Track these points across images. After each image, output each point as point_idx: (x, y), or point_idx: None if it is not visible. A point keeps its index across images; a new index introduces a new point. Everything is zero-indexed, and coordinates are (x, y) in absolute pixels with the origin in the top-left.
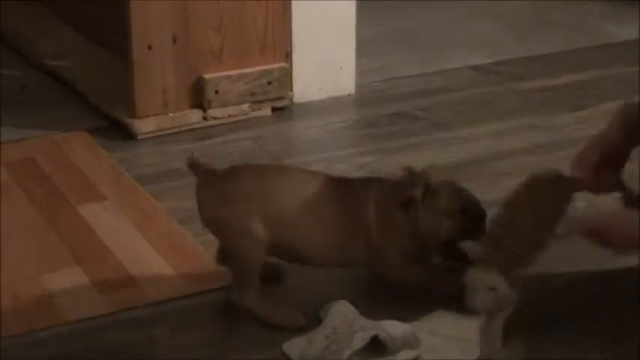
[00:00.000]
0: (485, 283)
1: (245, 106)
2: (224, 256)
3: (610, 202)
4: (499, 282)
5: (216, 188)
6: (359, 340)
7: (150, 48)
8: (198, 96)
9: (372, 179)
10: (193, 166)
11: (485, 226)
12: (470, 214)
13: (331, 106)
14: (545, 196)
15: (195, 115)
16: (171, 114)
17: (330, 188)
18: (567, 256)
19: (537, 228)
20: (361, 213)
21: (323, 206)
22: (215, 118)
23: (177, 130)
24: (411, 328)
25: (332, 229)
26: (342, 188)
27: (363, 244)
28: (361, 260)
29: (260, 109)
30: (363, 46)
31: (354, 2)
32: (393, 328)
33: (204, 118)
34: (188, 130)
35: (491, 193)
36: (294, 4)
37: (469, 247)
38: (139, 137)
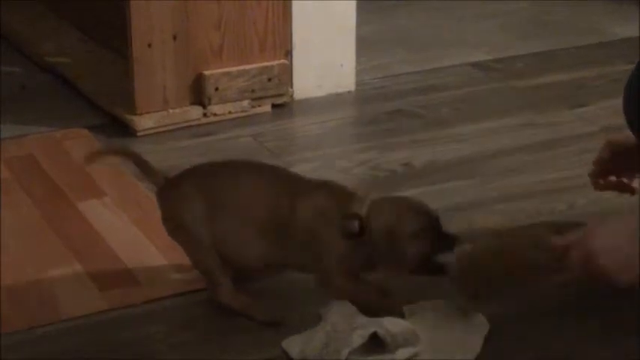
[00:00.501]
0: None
1: (245, 103)
2: None
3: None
4: (468, 306)
5: (168, 192)
6: (358, 338)
7: (150, 46)
8: (198, 93)
9: (324, 186)
10: (145, 170)
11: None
12: (435, 231)
13: (331, 103)
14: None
15: (195, 112)
16: (171, 111)
17: (273, 191)
18: None
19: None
20: (299, 222)
21: (258, 209)
22: (215, 114)
23: (177, 126)
24: (411, 325)
25: (264, 233)
26: (286, 191)
27: (298, 253)
28: (298, 266)
29: (260, 105)
30: (363, 44)
31: (354, 1)
32: (392, 326)
33: (205, 115)
34: (188, 126)
35: (491, 191)
36: (294, 2)
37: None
38: (139, 134)
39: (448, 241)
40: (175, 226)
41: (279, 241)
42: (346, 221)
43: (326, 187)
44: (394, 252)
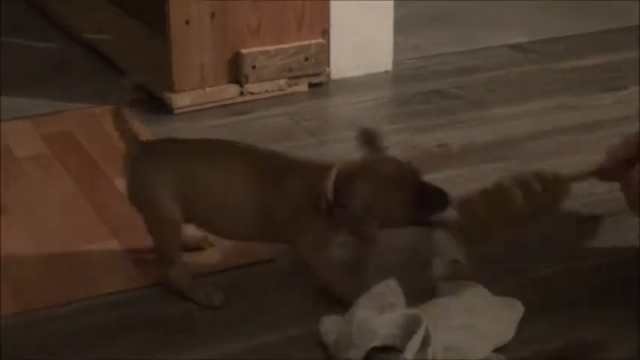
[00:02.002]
0: (450, 254)
1: (282, 82)
2: None
3: None
4: (461, 255)
5: (142, 163)
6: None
7: (188, 23)
8: (235, 71)
9: (291, 162)
10: (123, 133)
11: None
12: (416, 191)
13: (368, 82)
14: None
15: (231, 90)
16: (208, 89)
17: (251, 167)
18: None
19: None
20: (274, 200)
21: (239, 185)
22: (252, 93)
23: (214, 105)
24: (411, 311)
25: (245, 209)
26: (263, 168)
27: (274, 225)
28: (272, 239)
29: (297, 84)
30: (401, 24)
31: None
32: (388, 327)
33: (241, 93)
34: (224, 105)
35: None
36: None
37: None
38: (176, 111)
39: (432, 195)
40: (144, 197)
41: (259, 221)
42: (314, 201)
43: (296, 166)
44: (373, 215)
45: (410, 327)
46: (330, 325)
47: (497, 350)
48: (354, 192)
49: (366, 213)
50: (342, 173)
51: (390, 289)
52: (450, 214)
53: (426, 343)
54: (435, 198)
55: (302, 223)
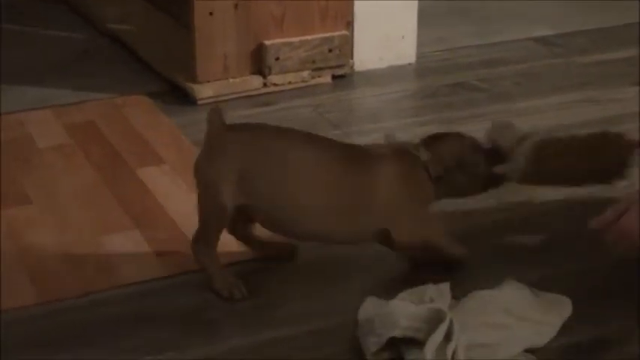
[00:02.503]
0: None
1: (305, 74)
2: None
3: None
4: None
5: (212, 142)
6: (372, 345)
7: (211, 14)
8: (258, 62)
9: (385, 149)
10: (212, 119)
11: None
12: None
13: (392, 75)
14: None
15: (255, 82)
16: (231, 80)
17: (335, 156)
18: None
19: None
20: (373, 186)
21: (324, 175)
22: (275, 84)
23: (237, 95)
24: (431, 306)
25: (335, 200)
26: (349, 156)
27: (372, 218)
28: (369, 236)
29: (320, 76)
30: (425, 16)
31: None
32: (409, 320)
33: (264, 85)
34: (248, 96)
35: None
36: None
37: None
38: (199, 102)
39: (499, 154)
40: (203, 173)
41: (343, 215)
42: (433, 166)
43: (387, 150)
44: (466, 178)
45: (433, 321)
46: (368, 305)
47: (528, 350)
48: (455, 155)
49: (466, 176)
50: (431, 147)
51: (438, 289)
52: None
53: (448, 338)
54: (497, 157)
55: (400, 206)
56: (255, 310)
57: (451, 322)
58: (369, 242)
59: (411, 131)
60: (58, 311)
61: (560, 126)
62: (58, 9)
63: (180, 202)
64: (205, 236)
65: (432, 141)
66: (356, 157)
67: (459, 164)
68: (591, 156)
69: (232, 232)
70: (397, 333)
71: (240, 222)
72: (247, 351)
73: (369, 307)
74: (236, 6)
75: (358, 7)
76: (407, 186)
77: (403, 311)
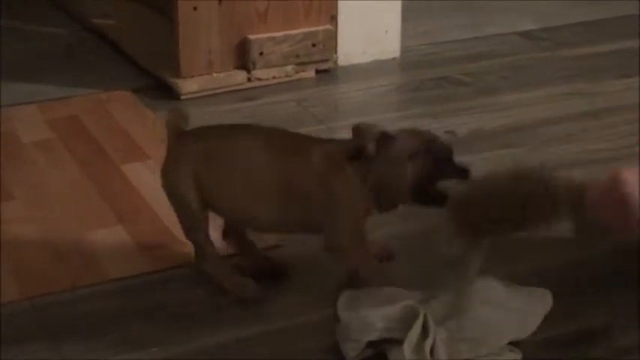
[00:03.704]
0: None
1: (289, 68)
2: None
3: None
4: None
5: (169, 148)
6: (350, 351)
7: (195, 9)
8: (242, 57)
9: (317, 139)
10: (170, 122)
11: (458, 164)
12: (436, 153)
13: (376, 69)
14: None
15: (239, 76)
16: (215, 74)
17: (270, 148)
18: None
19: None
20: (302, 175)
21: (261, 169)
22: (259, 79)
23: (221, 90)
24: (406, 302)
25: (269, 192)
26: (283, 147)
27: (304, 208)
28: (305, 227)
29: (304, 71)
30: (409, 10)
31: None
32: (383, 321)
33: (249, 79)
34: (232, 90)
35: (537, 159)
36: None
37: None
38: (183, 97)
39: (453, 169)
40: (168, 185)
41: (287, 204)
42: (350, 152)
43: (330, 140)
44: (394, 176)
45: (407, 319)
46: (344, 301)
47: (512, 343)
48: (385, 150)
49: (389, 173)
50: (378, 133)
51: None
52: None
53: (425, 334)
54: (457, 167)
55: (331, 194)
56: (241, 305)
57: (425, 317)
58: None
59: (395, 125)
60: (42, 307)
61: (547, 119)
62: (41, 4)
63: (164, 198)
64: (193, 240)
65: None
66: (293, 147)
67: (389, 156)
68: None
69: (225, 238)
70: (374, 337)
71: (231, 229)
72: (233, 346)
73: (346, 302)
74: (220, 1)
75: (342, 2)
76: (336, 180)
77: (377, 313)
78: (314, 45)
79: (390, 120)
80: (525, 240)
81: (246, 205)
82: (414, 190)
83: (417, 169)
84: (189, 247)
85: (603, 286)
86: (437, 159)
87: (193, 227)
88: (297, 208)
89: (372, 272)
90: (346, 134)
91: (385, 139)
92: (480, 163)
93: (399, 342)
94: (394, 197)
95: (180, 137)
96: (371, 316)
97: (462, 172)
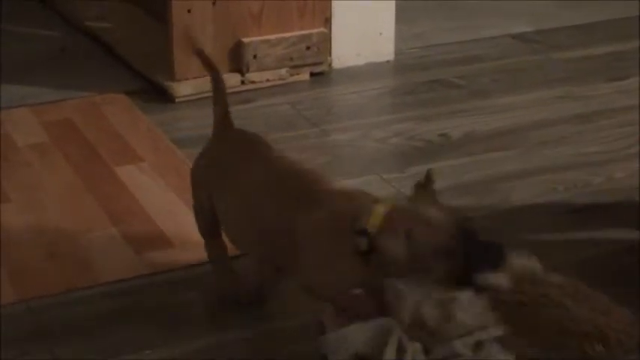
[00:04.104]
0: None
1: (283, 71)
2: None
3: None
4: None
5: (205, 152)
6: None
7: (189, 11)
8: (236, 60)
9: (331, 191)
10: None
11: (491, 250)
12: (465, 247)
13: (370, 72)
14: None
15: (233, 79)
16: (209, 77)
17: (280, 190)
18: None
19: None
20: (300, 229)
21: (264, 207)
22: (253, 82)
23: None
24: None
25: (262, 228)
26: (292, 193)
27: (292, 254)
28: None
29: (298, 73)
30: (403, 13)
31: None
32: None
33: (242, 82)
34: (226, 93)
35: (529, 162)
36: None
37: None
38: (177, 100)
39: (486, 262)
40: (191, 179)
41: (277, 246)
42: (354, 237)
43: (337, 196)
44: (413, 270)
45: (382, 337)
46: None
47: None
48: (397, 242)
49: (405, 267)
50: (390, 217)
51: None
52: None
53: (401, 350)
54: (486, 256)
55: (323, 254)
56: (235, 307)
57: (399, 334)
58: None
59: (388, 128)
60: (36, 309)
61: (539, 122)
62: (34, 6)
63: (158, 200)
64: (202, 234)
65: (397, 212)
66: (302, 198)
67: (403, 257)
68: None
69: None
70: (351, 354)
71: None
72: (230, 347)
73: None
74: (214, 3)
75: (336, 5)
76: (327, 238)
77: (355, 334)
78: (308, 48)
79: (383, 123)
80: (525, 240)
81: (239, 231)
82: (440, 280)
83: (441, 270)
84: (182, 251)
85: (603, 286)
86: (466, 254)
87: (200, 224)
88: (285, 251)
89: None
90: (340, 137)
91: (400, 232)
92: (472, 165)
93: None
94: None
95: (215, 137)
96: (349, 337)
97: (496, 262)
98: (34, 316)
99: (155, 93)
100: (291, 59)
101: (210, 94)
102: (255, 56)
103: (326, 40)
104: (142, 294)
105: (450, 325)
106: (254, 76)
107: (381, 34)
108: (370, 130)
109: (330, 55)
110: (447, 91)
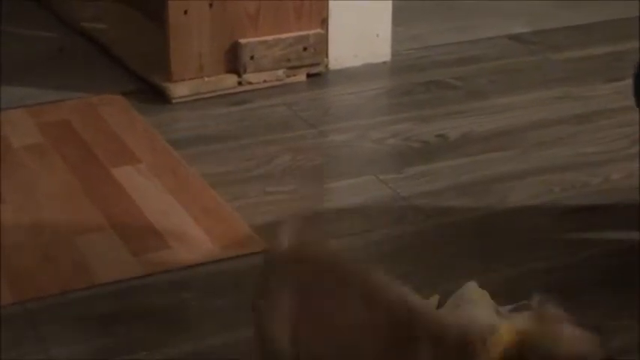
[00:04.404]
0: None
1: (280, 72)
2: None
3: None
4: None
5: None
6: None
7: (186, 12)
8: (233, 61)
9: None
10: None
11: None
12: None
13: (366, 73)
14: None
15: (230, 80)
16: (206, 78)
17: (374, 320)
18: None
19: None
20: None
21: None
22: (250, 83)
23: (212, 94)
24: None
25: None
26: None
27: None
28: None
29: (295, 75)
30: (400, 14)
31: None
32: None
33: (239, 83)
34: (223, 94)
35: (526, 163)
36: None
37: None
38: (174, 101)
39: None
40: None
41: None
42: None
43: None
44: None
45: None
46: None
47: None
48: None
49: None
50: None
51: None
52: None
53: None
54: None
55: None
56: (233, 308)
57: None
58: None
59: (385, 129)
60: (33, 310)
61: (537, 122)
62: (31, 7)
63: (155, 202)
64: None
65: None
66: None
67: None
68: None
69: None
70: None
71: None
72: (224, 350)
73: None
74: (211, 4)
75: (333, 5)
76: None
77: None
78: (305, 49)
79: (380, 123)
80: (525, 241)
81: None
82: None
83: None
84: (179, 251)
85: (602, 288)
86: None
87: None
88: None
89: None
90: (337, 138)
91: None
92: (470, 166)
93: None
94: None
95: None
96: None
97: None
98: (29, 317)
99: (152, 94)
100: (288, 60)
101: (207, 95)
102: (252, 57)
103: (323, 41)
104: (138, 295)
105: None
106: (251, 77)
107: (378, 35)
108: (367, 131)
109: (327, 56)
110: (444, 92)
